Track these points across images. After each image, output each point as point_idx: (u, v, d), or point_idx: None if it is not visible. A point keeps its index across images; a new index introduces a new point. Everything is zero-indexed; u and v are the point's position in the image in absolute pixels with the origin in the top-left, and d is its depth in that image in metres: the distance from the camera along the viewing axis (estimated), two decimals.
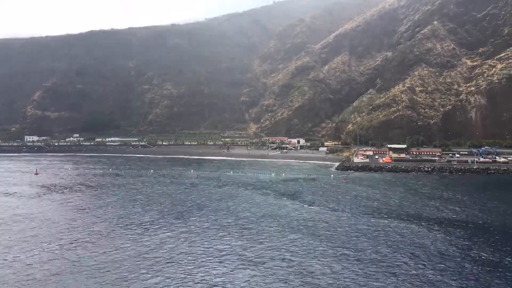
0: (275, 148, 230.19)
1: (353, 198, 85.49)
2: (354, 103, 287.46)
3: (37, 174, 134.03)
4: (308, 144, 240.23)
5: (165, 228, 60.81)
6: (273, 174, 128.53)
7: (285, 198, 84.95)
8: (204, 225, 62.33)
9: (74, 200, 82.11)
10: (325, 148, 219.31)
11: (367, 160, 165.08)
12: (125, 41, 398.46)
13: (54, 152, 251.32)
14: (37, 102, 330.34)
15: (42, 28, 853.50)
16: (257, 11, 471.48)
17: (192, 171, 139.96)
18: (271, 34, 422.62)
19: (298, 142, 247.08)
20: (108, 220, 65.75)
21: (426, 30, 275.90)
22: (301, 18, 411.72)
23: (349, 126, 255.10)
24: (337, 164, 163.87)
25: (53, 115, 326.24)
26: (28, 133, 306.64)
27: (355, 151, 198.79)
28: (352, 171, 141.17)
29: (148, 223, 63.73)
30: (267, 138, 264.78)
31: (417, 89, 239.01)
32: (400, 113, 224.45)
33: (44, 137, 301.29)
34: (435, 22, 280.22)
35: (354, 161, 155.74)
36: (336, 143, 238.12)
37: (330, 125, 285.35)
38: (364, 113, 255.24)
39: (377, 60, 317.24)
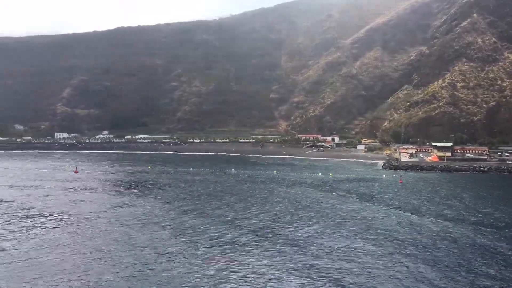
0: (310, 146, 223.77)
1: (428, 202, 78.34)
2: (388, 100, 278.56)
3: (76, 172, 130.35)
4: (345, 142, 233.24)
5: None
6: (320, 174, 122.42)
7: (357, 200, 78.52)
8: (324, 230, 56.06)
9: (158, 205, 75.39)
10: (362, 146, 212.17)
11: (413, 159, 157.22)
12: (152, 37, 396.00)
13: (86, 149, 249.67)
14: (66, 99, 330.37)
15: (67, 25, 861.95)
16: (284, 7, 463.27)
17: (233, 170, 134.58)
18: (298, 30, 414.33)
19: (333, 139, 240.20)
20: (219, 220, 60.35)
21: (465, 24, 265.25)
22: (329, 13, 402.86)
23: (385, 124, 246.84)
24: (381, 162, 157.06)
25: (82, 112, 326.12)
26: (58, 130, 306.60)
27: (395, 149, 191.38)
28: (401, 170, 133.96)
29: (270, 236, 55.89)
30: (300, 135, 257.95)
31: (458, 84, 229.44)
32: (441, 109, 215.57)
33: (74, 134, 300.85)
34: (474, 15, 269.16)
35: (402, 160, 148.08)
36: (373, 141, 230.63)
37: (363, 122, 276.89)
38: (401, 110, 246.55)
39: (411, 55, 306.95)
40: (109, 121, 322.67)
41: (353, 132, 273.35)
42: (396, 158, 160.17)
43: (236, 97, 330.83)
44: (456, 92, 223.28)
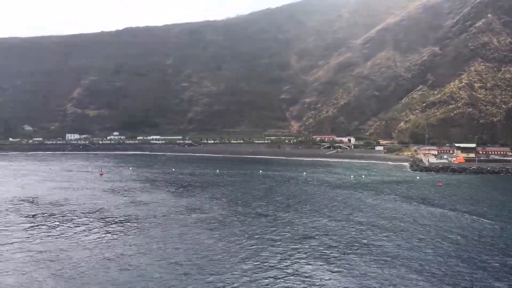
0: (328, 147, 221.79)
1: (489, 206, 76.02)
2: (403, 100, 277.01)
3: (101, 174, 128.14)
4: (362, 142, 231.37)
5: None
6: (352, 176, 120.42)
7: (415, 203, 76.08)
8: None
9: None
10: (381, 147, 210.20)
11: (441, 160, 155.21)
12: (161, 38, 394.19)
13: (99, 150, 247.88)
14: (76, 100, 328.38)
15: (73, 26, 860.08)
16: (291, 7, 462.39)
17: (261, 171, 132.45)
18: (307, 30, 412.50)
19: (349, 140, 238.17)
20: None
21: (480, 24, 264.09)
22: (339, 13, 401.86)
23: (401, 124, 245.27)
24: (406, 164, 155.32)
25: (92, 113, 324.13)
26: (68, 131, 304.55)
27: (415, 150, 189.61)
28: (432, 172, 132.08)
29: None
30: (315, 136, 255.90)
31: (476, 85, 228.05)
32: (460, 110, 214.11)
33: (85, 135, 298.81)
34: (489, 15, 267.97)
35: (431, 161, 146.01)
36: (391, 141, 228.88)
37: (378, 123, 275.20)
38: (417, 111, 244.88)
39: (424, 56, 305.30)
40: (120, 122, 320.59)
41: (367, 133, 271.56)
42: (421, 160, 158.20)
43: (246, 97, 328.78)
44: (474, 93, 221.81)
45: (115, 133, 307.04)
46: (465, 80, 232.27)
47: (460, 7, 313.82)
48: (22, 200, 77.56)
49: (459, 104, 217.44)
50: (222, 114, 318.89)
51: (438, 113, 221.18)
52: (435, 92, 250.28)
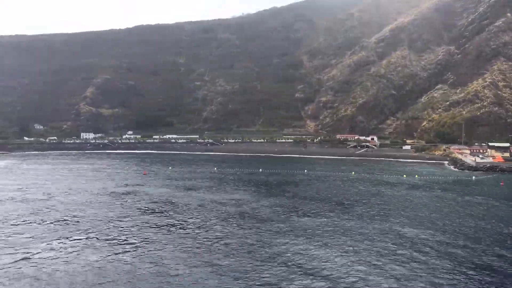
0: (354, 147, 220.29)
1: None
2: (422, 99, 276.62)
3: (145, 174, 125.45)
4: (388, 142, 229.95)
5: None
6: (404, 176, 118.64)
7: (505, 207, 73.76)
8: None
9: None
10: (408, 147, 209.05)
11: (484, 160, 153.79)
12: (173, 36, 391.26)
13: (120, 149, 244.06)
14: (90, 98, 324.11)
15: (73, 25, 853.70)
16: (300, 5, 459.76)
17: (305, 171, 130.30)
18: (317, 29, 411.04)
19: (372, 139, 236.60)
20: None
21: (500, 23, 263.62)
22: (350, 12, 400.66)
23: (424, 123, 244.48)
24: (445, 163, 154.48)
25: (106, 112, 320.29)
26: (83, 130, 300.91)
27: (444, 149, 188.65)
28: (480, 171, 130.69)
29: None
30: (339, 136, 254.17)
31: (500, 84, 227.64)
32: (486, 109, 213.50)
33: (100, 134, 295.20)
34: (508, 15, 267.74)
35: (477, 160, 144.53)
36: (416, 141, 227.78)
37: (397, 122, 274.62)
38: (440, 110, 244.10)
39: (439, 55, 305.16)
40: (134, 121, 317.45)
41: (387, 132, 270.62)
42: (460, 159, 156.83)
43: (261, 96, 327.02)
44: (499, 92, 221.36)
45: (129, 132, 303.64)
46: (489, 79, 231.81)
47: (473, 6, 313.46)
48: (138, 199, 75.15)
49: (484, 103, 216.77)
50: (237, 113, 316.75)
51: (464, 112, 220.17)
52: (457, 91, 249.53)
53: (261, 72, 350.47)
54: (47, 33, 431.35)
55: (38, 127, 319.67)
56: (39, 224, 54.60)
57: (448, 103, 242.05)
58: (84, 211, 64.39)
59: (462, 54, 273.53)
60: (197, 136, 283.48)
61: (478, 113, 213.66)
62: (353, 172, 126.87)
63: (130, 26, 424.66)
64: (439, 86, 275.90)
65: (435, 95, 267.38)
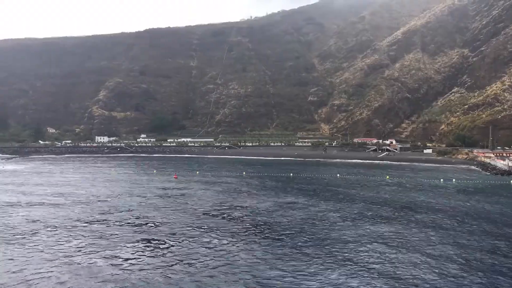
0: (374, 150, 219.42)
1: None
2: (438, 102, 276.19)
3: (176, 178, 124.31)
4: (407, 145, 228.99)
5: None
6: (441, 180, 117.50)
7: None
8: None
9: None
10: (429, 150, 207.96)
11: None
12: (184, 39, 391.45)
13: (138, 153, 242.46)
14: (103, 102, 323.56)
15: (91, 27, 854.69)
16: (309, 9, 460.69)
17: (338, 175, 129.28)
18: (327, 32, 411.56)
19: (391, 143, 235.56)
20: None
21: None
22: (361, 15, 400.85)
23: (442, 127, 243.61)
24: (473, 167, 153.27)
25: (119, 115, 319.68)
26: (96, 133, 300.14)
27: (466, 153, 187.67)
28: None
29: None
30: (358, 139, 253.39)
31: None
32: (507, 112, 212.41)
33: (113, 138, 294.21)
34: None
35: (510, 164, 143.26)
36: (436, 144, 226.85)
37: (412, 125, 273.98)
38: (458, 113, 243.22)
39: (453, 58, 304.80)
40: (147, 124, 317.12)
41: (402, 136, 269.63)
42: (489, 162, 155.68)
43: (274, 100, 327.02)
44: None
45: (143, 136, 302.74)
46: (508, 82, 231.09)
47: (487, 9, 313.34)
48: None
49: (505, 107, 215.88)
50: (250, 116, 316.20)
51: (484, 116, 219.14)
52: (475, 94, 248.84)
53: (273, 75, 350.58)
54: (57, 36, 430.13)
55: (51, 130, 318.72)
56: (119, 225, 53.93)
57: (466, 106, 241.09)
58: (151, 213, 63.57)
59: (479, 57, 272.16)
60: (212, 140, 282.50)
61: (499, 117, 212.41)
62: (387, 176, 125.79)
63: (141, 29, 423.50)
64: (455, 89, 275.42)
65: (452, 98, 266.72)
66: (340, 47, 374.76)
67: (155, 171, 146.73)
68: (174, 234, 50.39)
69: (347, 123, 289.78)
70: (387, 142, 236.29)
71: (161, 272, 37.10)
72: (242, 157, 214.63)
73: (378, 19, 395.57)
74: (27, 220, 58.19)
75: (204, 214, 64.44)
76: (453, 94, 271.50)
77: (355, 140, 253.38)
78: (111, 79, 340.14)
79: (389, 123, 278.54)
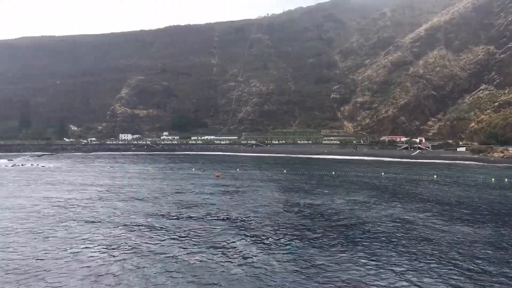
0: (405, 148, 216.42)
1: None
2: (465, 100, 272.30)
3: (218, 176, 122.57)
4: (441, 143, 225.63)
5: None
6: (493, 179, 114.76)
7: None
8: None
9: None
10: (463, 148, 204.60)
11: None
12: (204, 36, 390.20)
13: (165, 150, 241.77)
14: (125, 99, 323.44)
15: (108, 25, 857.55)
16: (328, 5, 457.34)
17: (383, 174, 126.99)
18: (347, 29, 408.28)
19: (421, 141, 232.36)
20: None
21: None
22: (382, 11, 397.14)
23: (472, 125, 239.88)
24: None
25: (141, 112, 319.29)
26: (119, 131, 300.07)
27: (501, 151, 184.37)
28: None
29: None
30: (385, 137, 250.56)
31: None
32: None
33: (137, 135, 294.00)
34: None
35: None
36: (471, 143, 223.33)
37: (440, 123, 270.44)
38: (489, 110, 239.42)
39: (479, 54, 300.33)
40: (168, 122, 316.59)
41: (429, 134, 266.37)
42: None
43: (296, 97, 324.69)
44: None
45: (165, 133, 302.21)
46: None
47: (511, 5, 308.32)
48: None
49: None
50: (272, 114, 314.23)
51: None
52: (506, 91, 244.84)
53: (294, 73, 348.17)
54: (74, 33, 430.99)
55: (73, 128, 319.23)
56: (211, 220, 52.46)
57: (496, 103, 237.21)
58: (233, 209, 61.87)
59: (507, 54, 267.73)
60: (236, 138, 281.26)
61: None
62: (435, 176, 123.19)
63: (160, 27, 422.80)
64: (483, 86, 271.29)
65: (481, 95, 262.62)
66: (362, 44, 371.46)
67: (193, 169, 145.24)
68: (275, 231, 48.67)
69: (372, 121, 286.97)
70: (417, 140, 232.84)
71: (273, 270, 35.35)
72: (272, 154, 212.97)
73: (399, 16, 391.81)
74: (127, 212, 57.23)
75: (285, 211, 62.63)
76: (481, 91, 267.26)
77: (383, 138, 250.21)
78: (133, 76, 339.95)
79: (415, 121, 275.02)
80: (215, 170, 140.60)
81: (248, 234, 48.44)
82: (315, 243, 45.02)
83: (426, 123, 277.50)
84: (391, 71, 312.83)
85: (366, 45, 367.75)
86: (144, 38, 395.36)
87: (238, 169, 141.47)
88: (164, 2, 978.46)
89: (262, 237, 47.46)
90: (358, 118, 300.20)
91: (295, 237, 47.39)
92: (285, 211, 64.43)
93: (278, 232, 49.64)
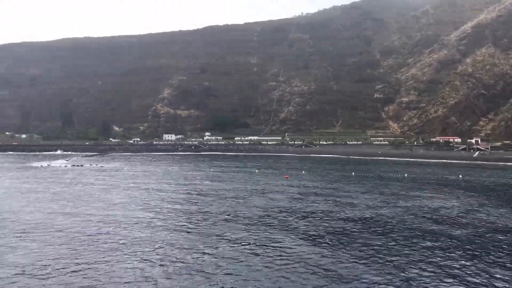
0: (464, 149, 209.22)
1: None
2: None
3: (287, 177, 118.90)
4: (499, 144, 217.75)
5: None
6: None
7: None
8: None
9: None
10: None
11: None
12: (243, 36, 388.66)
13: (213, 151, 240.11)
14: (168, 100, 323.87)
15: (145, 26, 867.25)
16: (363, 4, 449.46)
17: (460, 176, 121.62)
18: (386, 27, 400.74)
19: (476, 142, 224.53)
20: None
21: None
22: (423, 9, 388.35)
23: None
24: None
25: (183, 113, 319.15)
26: (162, 131, 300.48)
27: None
28: None
29: None
30: (439, 138, 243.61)
31: None
32: None
33: (180, 136, 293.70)
34: None
35: None
36: None
37: (491, 123, 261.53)
38: None
39: None
40: (210, 122, 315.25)
41: (482, 134, 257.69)
42: None
43: (338, 97, 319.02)
44: None
45: (207, 134, 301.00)
46: None
47: None
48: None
49: None
50: (314, 114, 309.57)
51: None
52: None
53: (335, 72, 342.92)
54: (113, 35, 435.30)
55: (116, 128, 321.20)
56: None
57: None
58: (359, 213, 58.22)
59: None
60: (280, 138, 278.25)
61: None
62: None
63: (199, 27, 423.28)
64: None
65: None
66: (404, 43, 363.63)
67: (256, 170, 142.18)
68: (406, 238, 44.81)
69: (420, 121, 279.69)
70: (473, 141, 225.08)
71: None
72: (324, 155, 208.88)
73: (442, 13, 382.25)
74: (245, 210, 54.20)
75: (411, 215, 58.66)
76: None
77: (437, 138, 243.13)
78: (173, 76, 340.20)
79: (466, 121, 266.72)
80: (276, 170, 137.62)
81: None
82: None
83: (477, 123, 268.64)
84: (437, 70, 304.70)
85: (408, 44, 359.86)
86: (183, 38, 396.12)
87: (303, 171, 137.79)
88: (197, 4, 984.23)
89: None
90: (404, 118, 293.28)
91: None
92: (411, 215, 60.63)
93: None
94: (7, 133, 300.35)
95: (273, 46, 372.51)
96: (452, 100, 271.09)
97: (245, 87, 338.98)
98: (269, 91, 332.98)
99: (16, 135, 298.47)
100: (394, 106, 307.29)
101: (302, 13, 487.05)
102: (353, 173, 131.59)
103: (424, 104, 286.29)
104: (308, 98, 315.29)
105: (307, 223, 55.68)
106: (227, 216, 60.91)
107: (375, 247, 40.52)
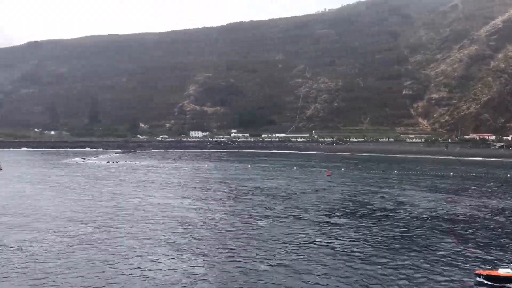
0: (502, 147, 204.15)
1: None
2: None
3: (329, 175, 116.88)
4: None
5: None
6: None
7: None
8: None
9: None
10: None
11: None
12: (267, 33, 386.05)
13: (241, 148, 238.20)
14: (194, 96, 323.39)
15: (169, 23, 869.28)
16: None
17: (507, 175, 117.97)
18: (413, 22, 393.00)
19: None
20: None
21: None
22: (452, 4, 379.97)
23: None
24: None
25: (209, 110, 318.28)
26: (188, 128, 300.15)
27: None
28: None
29: None
30: (474, 135, 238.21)
31: None
32: None
33: (207, 133, 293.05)
34: None
35: None
36: None
37: None
38: None
39: None
40: (236, 119, 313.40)
41: None
42: None
43: (365, 94, 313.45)
44: None
45: (234, 131, 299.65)
46: None
47: None
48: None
49: None
50: (342, 111, 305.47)
51: None
52: None
53: (362, 68, 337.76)
54: (137, 32, 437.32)
55: (142, 125, 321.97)
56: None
57: None
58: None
59: None
60: (308, 135, 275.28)
61: None
62: None
63: (230, 22, 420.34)
64: None
65: None
66: (432, 38, 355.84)
67: (295, 167, 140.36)
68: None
69: (451, 118, 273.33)
70: (509, 138, 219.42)
71: None
72: (356, 153, 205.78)
73: (471, 8, 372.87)
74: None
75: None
76: None
77: (471, 136, 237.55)
78: (198, 73, 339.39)
79: (500, 118, 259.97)
80: (314, 168, 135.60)
81: None
82: None
83: (511, 120, 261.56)
84: (468, 66, 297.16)
85: (437, 39, 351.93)
86: (208, 35, 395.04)
87: (343, 169, 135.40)
88: (214, 2, 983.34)
89: None
90: (435, 115, 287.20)
91: None
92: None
93: None
94: (36, 130, 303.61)
95: (298, 43, 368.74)
96: (485, 97, 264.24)
97: (270, 84, 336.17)
98: (295, 87, 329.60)
99: (45, 132, 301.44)
100: (423, 102, 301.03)
101: (325, 9, 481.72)
102: (395, 171, 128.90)
103: (455, 101, 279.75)
104: (335, 95, 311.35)
105: (379, 223, 53.76)
106: (296, 214, 59.47)
107: None
